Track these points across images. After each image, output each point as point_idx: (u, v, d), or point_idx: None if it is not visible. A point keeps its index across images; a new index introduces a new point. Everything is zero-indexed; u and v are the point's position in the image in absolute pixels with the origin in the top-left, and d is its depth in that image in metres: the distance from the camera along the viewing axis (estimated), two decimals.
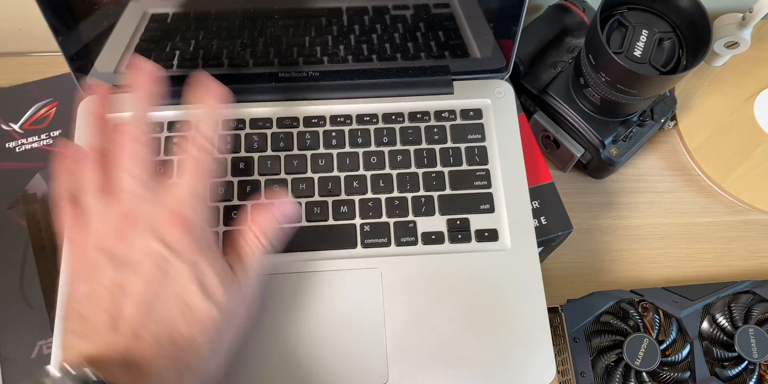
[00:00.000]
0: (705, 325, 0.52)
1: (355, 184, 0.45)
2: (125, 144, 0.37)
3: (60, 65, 0.46)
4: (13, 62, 0.56)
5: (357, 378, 0.40)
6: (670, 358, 0.50)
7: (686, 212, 0.59)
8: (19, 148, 0.46)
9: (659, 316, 0.52)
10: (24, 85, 0.48)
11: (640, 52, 0.49)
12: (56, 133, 0.47)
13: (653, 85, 0.49)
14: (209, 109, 0.38)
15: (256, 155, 0.45)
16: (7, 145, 0.46)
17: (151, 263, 0.34)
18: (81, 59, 0.44)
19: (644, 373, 0.49)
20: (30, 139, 0.47)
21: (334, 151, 0.46)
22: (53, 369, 0.30)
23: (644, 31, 0.49)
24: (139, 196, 0.36)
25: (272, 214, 0.38)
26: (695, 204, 0.59)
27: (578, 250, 0.57)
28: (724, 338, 0.51)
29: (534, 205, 0.48)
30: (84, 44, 0.43)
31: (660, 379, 0.50)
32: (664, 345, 0.51)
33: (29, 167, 0.46)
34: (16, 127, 0.47)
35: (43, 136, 0.47)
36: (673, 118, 0.60)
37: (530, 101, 0.57)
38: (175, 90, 0.44)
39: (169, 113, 0.45)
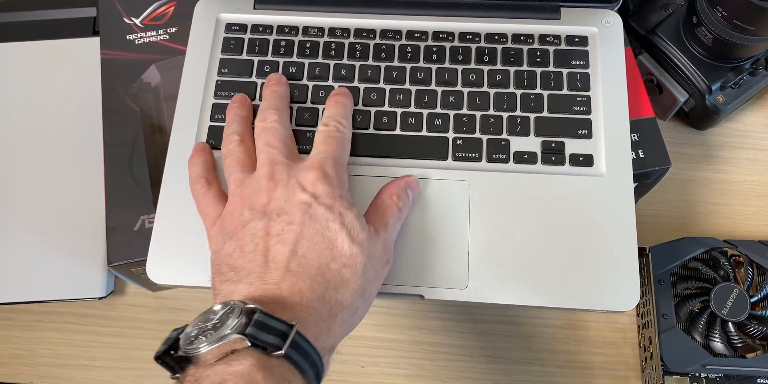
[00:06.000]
0: None
1: (451, 98, 0.45)
2: (264, 125, 0.40)
3: None
4: None
5: (437, 279, 0.40)
6: (760, 313, 0.48)
7: None
8: (138, 41, 0.49)
9: (753, 270, 0.49)
10: None
11: None
12: (173, 29, 0.49)
13: None
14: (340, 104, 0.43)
15: (357, 63, 0.46)
16: (128, 36, 0.49)
17: (301, 211, 0.36)
18: None
19: (730, 323, 0.47)
20: (149, 34, 0.49)
21: (434, 66, 0.46)
22: (217, 305, 0.32)
23: None
24: (282, 162, 0.38)
25: (405, 188, 0.41)
26: None
27: (670, 200, 0.55)
28: None
29: (633, 138, 0.47)
30: None
31: (747, 331, 0.48)
32: (755, 298, 0.48)
33: (146, 58, 0.48)
34: (137, 21, 0.50)
35: (160, 32, 0.49)
36: None
37: (636, 42, 0.55)
38: None
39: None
